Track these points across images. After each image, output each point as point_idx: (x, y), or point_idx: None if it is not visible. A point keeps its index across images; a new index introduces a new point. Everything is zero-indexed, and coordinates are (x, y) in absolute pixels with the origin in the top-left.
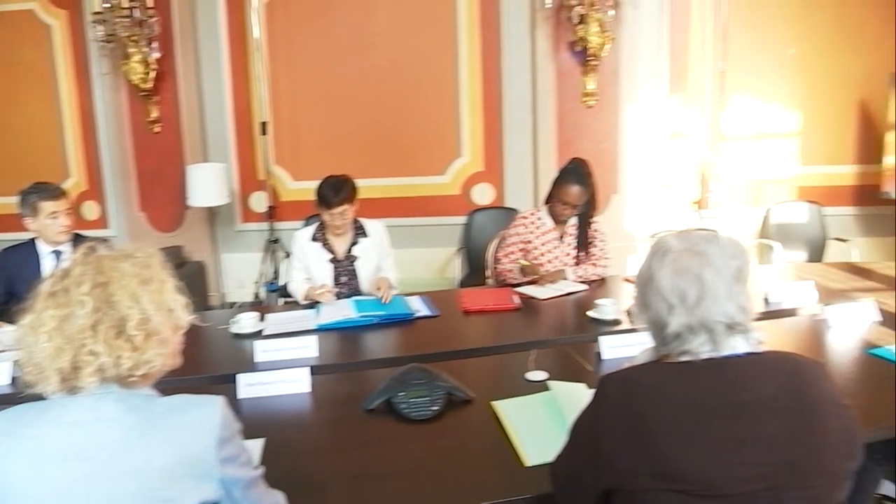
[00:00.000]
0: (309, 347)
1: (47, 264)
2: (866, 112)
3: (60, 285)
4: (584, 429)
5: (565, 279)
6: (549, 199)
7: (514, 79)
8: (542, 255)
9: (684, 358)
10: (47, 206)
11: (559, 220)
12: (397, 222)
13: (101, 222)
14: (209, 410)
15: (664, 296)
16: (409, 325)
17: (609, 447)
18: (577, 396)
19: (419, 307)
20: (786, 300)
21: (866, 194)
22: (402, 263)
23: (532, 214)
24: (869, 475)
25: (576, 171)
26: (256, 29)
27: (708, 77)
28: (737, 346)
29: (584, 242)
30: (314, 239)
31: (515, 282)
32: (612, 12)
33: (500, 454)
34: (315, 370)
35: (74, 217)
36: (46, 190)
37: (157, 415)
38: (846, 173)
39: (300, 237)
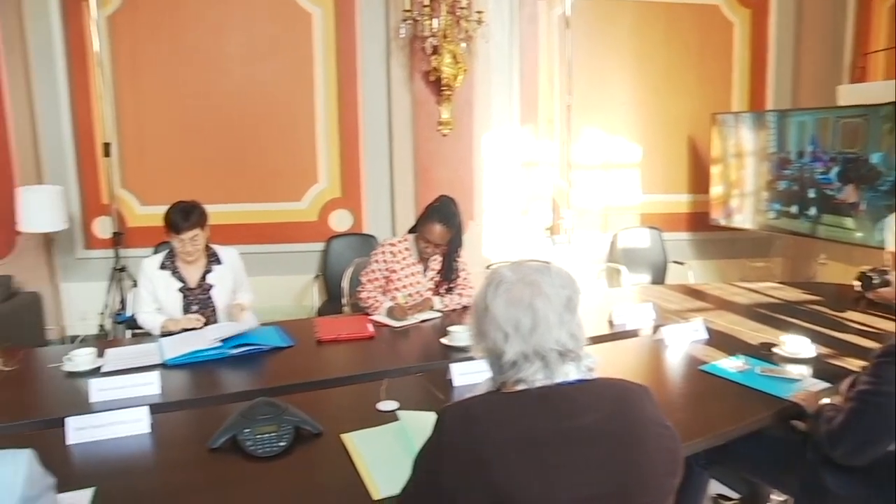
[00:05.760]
0: (151, 384)
1: None
2: (694, 147)
3: None
4: (426, 461)
5: (432, 308)
6: (415, 232)
7: (371, 106)
8: (405, 286)
9: (520, 386)
10: None
11: (423, 256)
12: (253, 249)
13: None
14: (10, 468)
15: (500, 325)
16: (261, 356)
17: (449, 478)
18: (426, 426)
19: (274, 337)
20: (629, 322)
21: (699, 221)
22: (258, 292)
23: (400, 243)
24: (698, 479)
25: (440, 210)
26: (97, 42)
27: (556, 109)
28: (569, 373)
29: (448, 277)
30: (163, 267)
31: (373, 311)
32: (464, 45)
33: (349, 488)
34: (156, 408)
35: None
36: None
37: None
38: (681, 201)
39: (147, 266)
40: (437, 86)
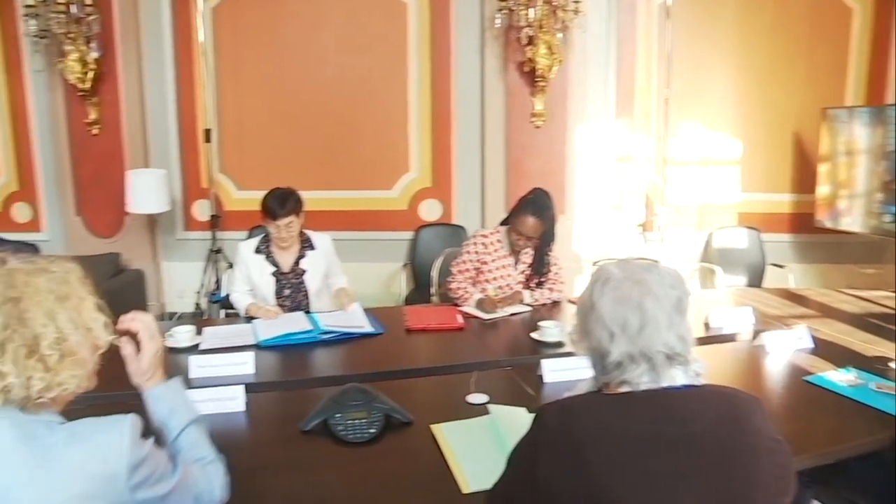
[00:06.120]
0: (246, 364)
1: None
2: (800, 144)
3: None
4: (523, 457)
5: (522, 301)
6: (507, 224)
7: (464, 96)
8: (495, 278)
9: (624, 388)
10: None
11: (514, 249)
12: (344, 235)
13: (34, 225)
14: (116, 435)
15: (606, 324)
16: (351, 342)
17: (547, 476)
18: (517, 421)
19: (366, 323)
20: (726, 325)
21: (802, 222)
22: (347, 277)
23: (492, 235)
24: (800, 499)
25: (534, 203)
26: (202, 33)
27: (653, 103)
28: (676, 377)
29: (539, 271)
30: (257, 251)
31: (462, 302)
32: (560, 35)
33: (438, 480)
34: (251, 388)
35: (2, 219)
36: None
37: (55, 444)
38: (783, 201)
39: (243, 249)
40: (532, 77)
